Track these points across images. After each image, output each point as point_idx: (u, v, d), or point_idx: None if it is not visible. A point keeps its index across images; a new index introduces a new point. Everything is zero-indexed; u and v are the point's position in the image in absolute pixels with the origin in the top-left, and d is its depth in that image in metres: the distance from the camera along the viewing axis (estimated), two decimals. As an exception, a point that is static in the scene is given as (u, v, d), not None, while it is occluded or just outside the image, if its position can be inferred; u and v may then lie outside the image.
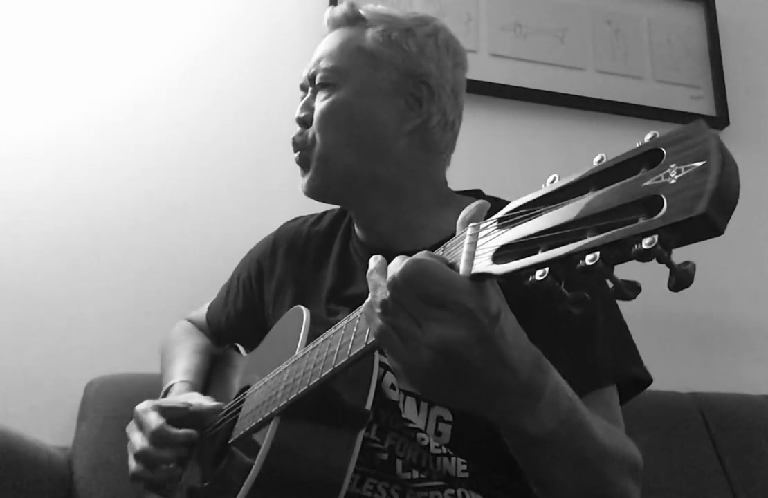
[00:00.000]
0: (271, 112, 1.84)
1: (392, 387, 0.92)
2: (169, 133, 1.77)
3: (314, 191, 1.07)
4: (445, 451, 0.90)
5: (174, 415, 0.98)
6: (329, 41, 1.08)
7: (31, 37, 1.74)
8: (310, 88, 1.09)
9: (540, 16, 2.11)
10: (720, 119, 2.15)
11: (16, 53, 1.72)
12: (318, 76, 1.06)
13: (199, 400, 1.02)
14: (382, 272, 0.61)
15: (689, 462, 1.64)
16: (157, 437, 0.95)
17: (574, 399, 0.69)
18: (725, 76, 2.19)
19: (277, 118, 1.83)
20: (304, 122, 1.07)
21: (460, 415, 0.91)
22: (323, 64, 1.06)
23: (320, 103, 1.04)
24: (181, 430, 0.97)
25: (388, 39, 1.06)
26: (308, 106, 1.07)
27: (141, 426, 0.98)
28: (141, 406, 1.00)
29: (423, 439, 0.89)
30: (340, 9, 1.09)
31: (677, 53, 2.20)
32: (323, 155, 1.04)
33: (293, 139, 1.08)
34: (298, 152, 1.07)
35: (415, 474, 0.89)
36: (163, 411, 0.98)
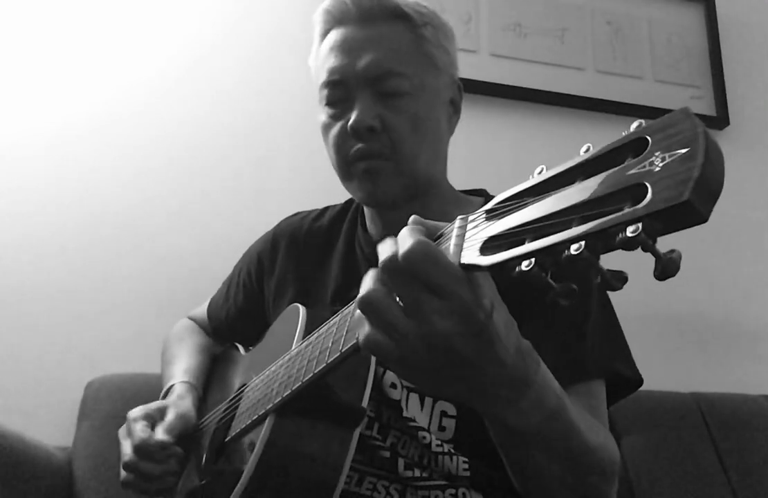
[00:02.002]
0: (271, 112, 1.85)
1: (393, 386, 0.92)
2: (169, 133, 1.77)
3: (388, 201, 1.00)
4: (446, 449, 0.89)
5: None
6: (385, 40, 0.98)
7: (31, 37, 1.74)
8: (368, 90, 0.97)
9: (540, 16, 2.11)
10: (720, 119, 2.14)
11: (16, 53, 1.73)
12: (390, 84, 0.97)
13: (172, 415, 1.01)
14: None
15: (689, 462, 1.63)
16: (139, 451, 0.95)
17: (562, 397, 0.68)
18: (725, 76, 2.19)
19: (277, 118, 1.84)
20: (373, 129, 0.96)
21: (464, 411, 0.91)
22: (390, 66, 0.97)
23: (401, 114, 0.97)
24: (164, 445, 0.96)
25: (438, 42, 1.02)
26: (374, 109, 0.96)
27: (130, 434, 0.97)
28: (132, 413, 0.99)
29: (425, 438, 0.89)
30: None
31: (677, 53, 2.20)
32: (410, 167, 0.98)
33: (366, 146, 0.96)
34: (373, 160, 0.97)
35: (417, 473, 0.88)
36: (151, 422, 0.98)
